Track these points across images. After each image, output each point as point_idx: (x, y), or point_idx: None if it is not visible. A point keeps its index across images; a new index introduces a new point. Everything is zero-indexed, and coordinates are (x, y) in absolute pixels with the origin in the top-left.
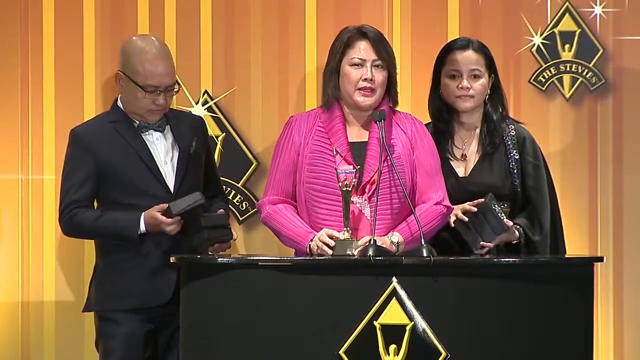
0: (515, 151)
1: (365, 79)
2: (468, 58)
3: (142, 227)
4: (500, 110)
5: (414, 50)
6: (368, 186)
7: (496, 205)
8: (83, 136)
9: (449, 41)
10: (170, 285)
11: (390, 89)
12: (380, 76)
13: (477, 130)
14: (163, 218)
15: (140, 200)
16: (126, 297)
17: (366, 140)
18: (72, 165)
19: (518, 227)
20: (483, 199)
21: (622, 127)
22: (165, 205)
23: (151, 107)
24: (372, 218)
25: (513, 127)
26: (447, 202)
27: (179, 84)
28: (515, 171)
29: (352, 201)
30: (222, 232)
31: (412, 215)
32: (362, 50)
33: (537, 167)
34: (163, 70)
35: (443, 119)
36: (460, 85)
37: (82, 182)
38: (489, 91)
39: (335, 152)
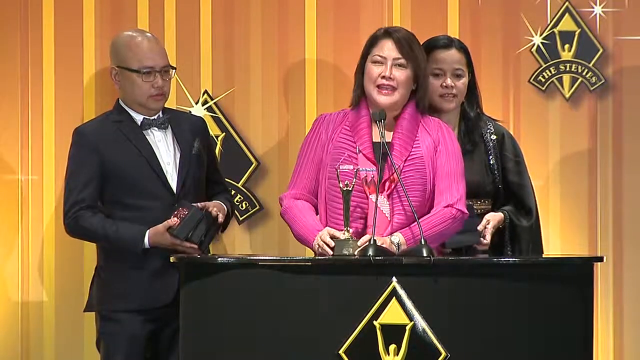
0: (495, 148)
1: (384, 77)
2: (451, 57)
3: (146, 244)
4: (476, 108)
5: None
6: (387, 184)
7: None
8: (87, 135)
9: (428, 40)
10: (173, 286)
11: (417, 91)
12: (401, 75)
13: (455, 130)
14: (177, 242)
15: (143, 201)
16: (129, 298)
17: (390, 140)
18: (77, 164)
19: (504, 211)
20: None
21: (622, 127)
22: (172, 221)
23: (151, 91)
24: (389, 216)
25: (491, 124)
26: (460, 206)
27: (173, 67)
28: (496, 168)
29: (371, 199)
30: (213, 232)
31: (419, 218)
32: (385, 48)
33: (518, 163)
34: (154, 50)
35: None
36: (444, 84)
37: (87, 182)
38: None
39: (358, 151)
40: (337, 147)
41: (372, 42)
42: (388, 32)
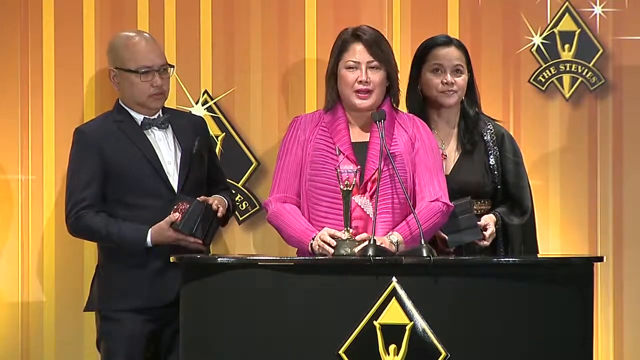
0: (494, 148)
1: (361, 81)
2: (451, 54)
3: (149, 242)
4: (475, 107)
5: (414, 50)
6: (369, 185)
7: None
8: (88, 134)
9: (427, 39)
10: (174, 286)
11: (390, 89)
12: (376, 77)
13: (455, 129)
14: (182, 236)
15: (145, 200)
16: (130, 297)
17: (367, 140)
18: (78, 164)
19: (496, 213)
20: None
21: (622, 127)
22: (175, 217)
23: (150, 90)
24: (374, 217)
25: (490, 124)
26: (445, 199)
27: (171, 66)
28: (495, 168)
29: (354, 200)
30: (215, 226)
31: (412, 214)
32: (357, 52)
33: (517, 164)
34: (151, 49)
35: (423, 117)
36: (444, 80)
37: (88, 181)
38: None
39: (338, 152)
40: (316, 149)
41: (342, 47)
42: (357, 35)
